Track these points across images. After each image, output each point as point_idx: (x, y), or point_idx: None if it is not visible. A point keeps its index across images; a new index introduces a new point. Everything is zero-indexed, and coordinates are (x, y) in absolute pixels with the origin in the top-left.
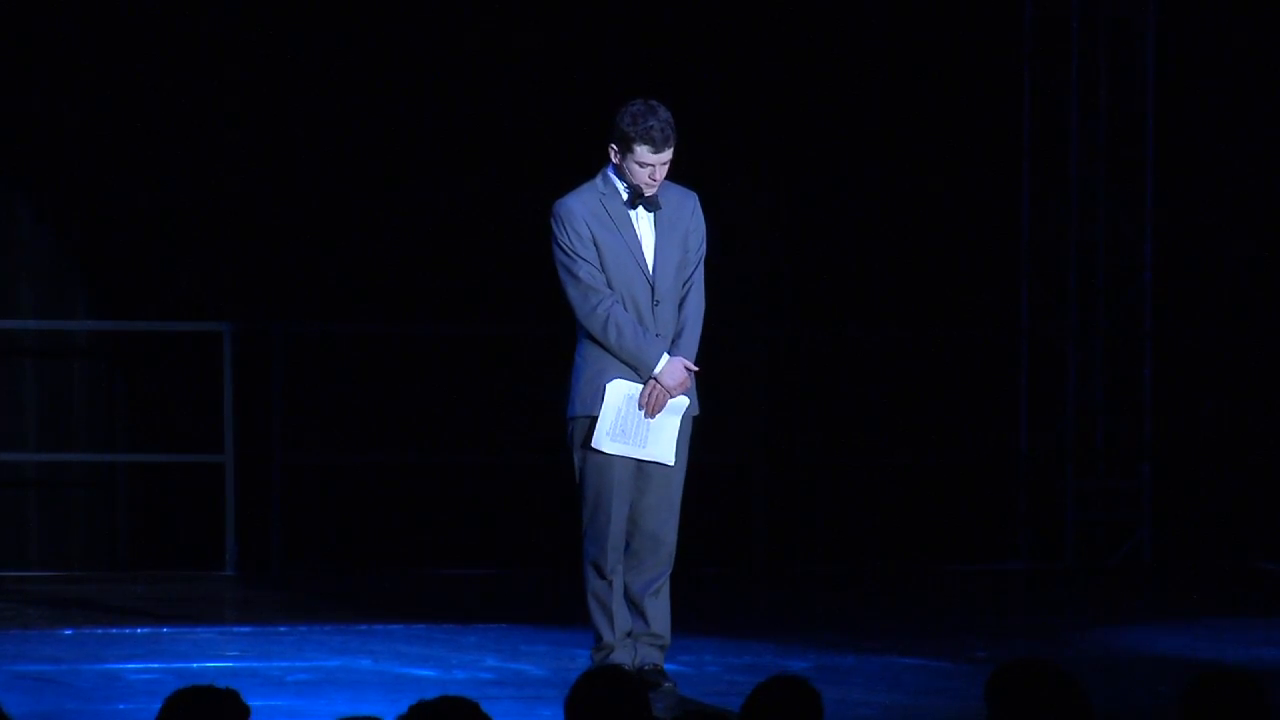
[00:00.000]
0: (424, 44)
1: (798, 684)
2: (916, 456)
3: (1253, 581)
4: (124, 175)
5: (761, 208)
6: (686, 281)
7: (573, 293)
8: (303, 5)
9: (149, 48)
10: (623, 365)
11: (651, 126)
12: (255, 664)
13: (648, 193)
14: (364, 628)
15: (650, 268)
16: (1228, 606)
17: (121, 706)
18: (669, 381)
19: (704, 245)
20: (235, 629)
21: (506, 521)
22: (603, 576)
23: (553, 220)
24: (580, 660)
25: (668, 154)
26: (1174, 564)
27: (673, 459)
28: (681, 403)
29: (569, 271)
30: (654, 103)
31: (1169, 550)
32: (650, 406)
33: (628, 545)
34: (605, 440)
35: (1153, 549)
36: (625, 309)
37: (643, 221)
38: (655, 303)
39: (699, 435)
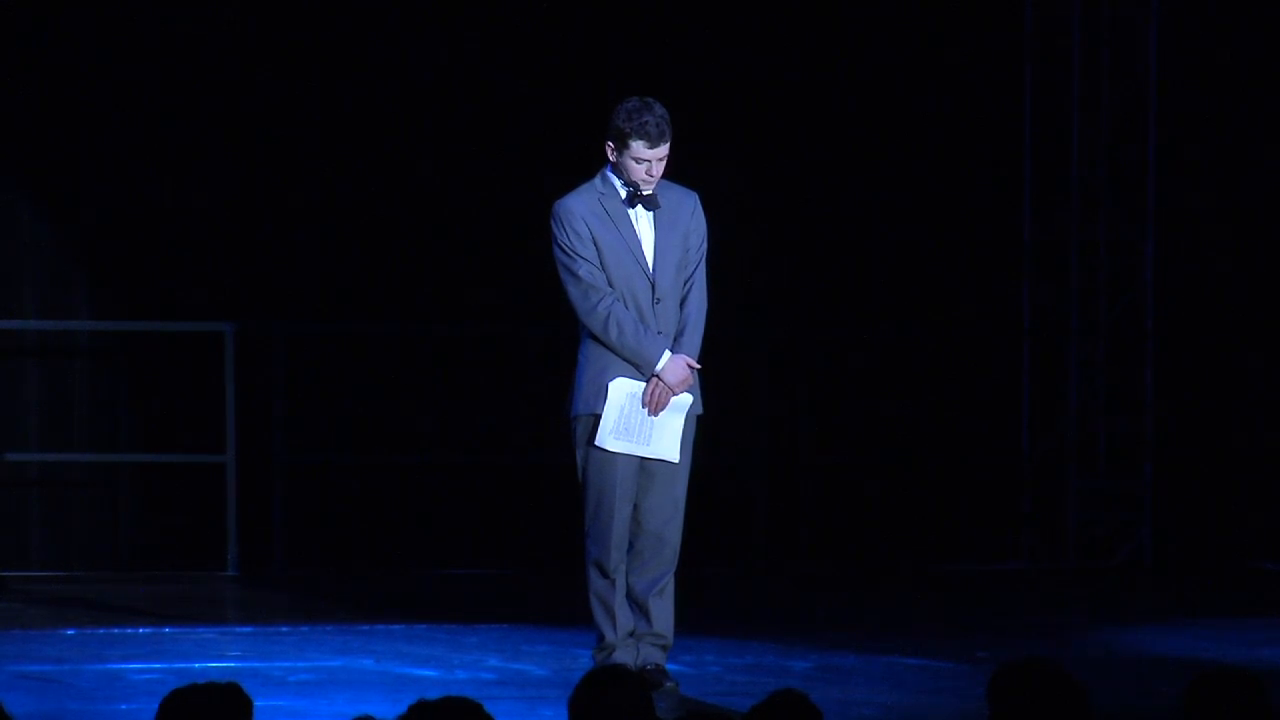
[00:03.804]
0: (424, 44)
1: (799, 700)
2: (918, 457)
3: (1253, 581)
4: (126, 175)
5: (761, 208)
6: (688, 280)
7: (573, 292)
8: (303, 5)
9: (151, 47)
10: (625, 364)
11: (647, 122)
12: (257, 664)
13: (645, 190)
14: (366, 628)
15: (650, 266)
16: (1228, 606)
17: (123, 707)
18: (671, 379)
19: (705, 244)
20: (237, 629)
21: (508, 521)
22: (605, 576)
23: (552, 221)
24: (582, 660)
25: (664, 149)
26: (1175, 564)
27: (677, 456)
28: (685, 400)
29: (569, 271)
30: (649, 99)
31: (1170, 550)
32: (653, 404)
33: (631, 545)
34: (609, 438)
35: (1154, 549)
36: (626, 307)
37: (642, 220)
38: (656, 300)
39: (701, 435)
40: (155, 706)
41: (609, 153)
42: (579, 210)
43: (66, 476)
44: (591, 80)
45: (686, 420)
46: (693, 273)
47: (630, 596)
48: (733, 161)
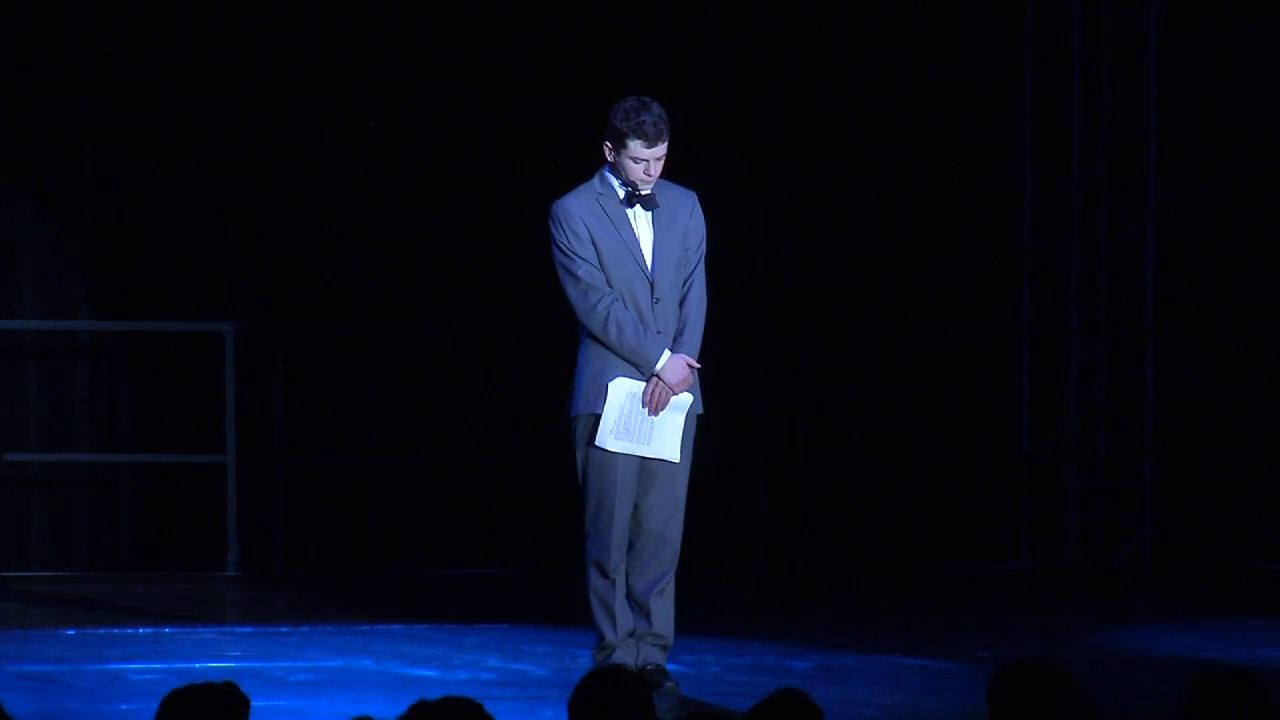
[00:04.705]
0: (424, 44)
1: (800, 698)
2: (919, 457)
3: (1253, 581)
4: (127, 175)
5: (762, 208)
6: (687, 280)
7: (572, 292)
8: (304, 5)
9: (152, 48)
10: (625, 363)
11: (644, 121)
12: (257, 664)
13: (643, 189)
14: (366, 628)
15: (649, 265)
16: (1229, 606)
17: (123, 707)
18: (671, 378)
19: (704, 244)
20: (237, 629)
21: (509, 521)
22: (605, 576)
23: (551, 221)
24: (582, 660)
25: (661, 149)
26: (1175, 564)
27: (677, 456)
28: (686, 400)
29: (568, 271)
30: (646, 99)
31: (1170, 550)
32: (653, 404)
33: (632, 545)
34: (609, 438)
35: (1154, 549)
36: (625, 307)
37: (640, 220)
38: (655, 300)
39: (701, 435)
40: (155, 706)
41: (607, 153)
42: (577, 210)
43: (66, 476)
44: (591, 80)
45: (687, 420)
46: (692, 272)
47: (631, 596)
48: (732, 161)
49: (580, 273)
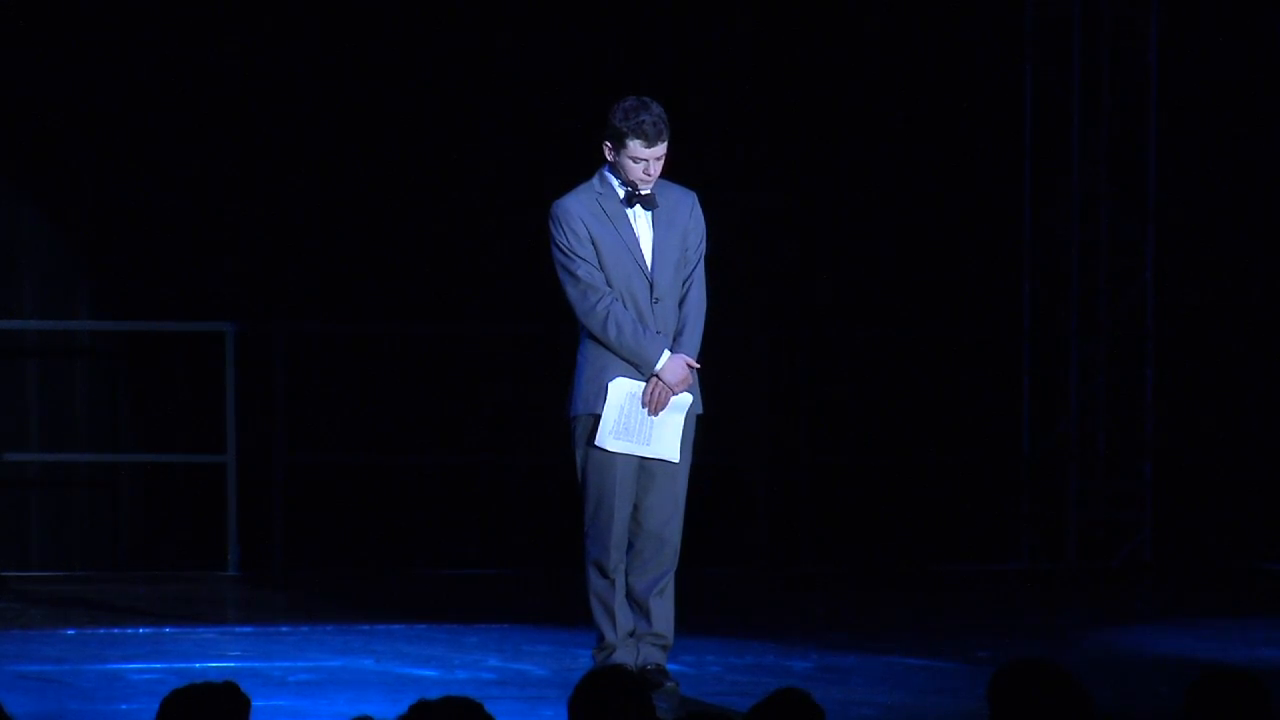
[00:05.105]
0: (424, 44)
1: (800, 698)
2: (918, 457)
3: (1254, 581)
4: (127, 175)
5: (762, 208)
6: (687, 280)
7: (572, 292)
8: (304, 5)
9: (152, 48)
10: (624, 363)
11: (644, 121)
12: (257, 664)
13: (643, 189)
14: (366, 628)
15: (648, 265)
16: (1229, 606)
17: (124, 707)
18: (670, 378)
19: (704, 243)
20: (237, 629)
21: (508, 521)
22: (605, 576)
23: (550, 221)
24: (582, 660)
25: (661, 148)
26: (1176, 564)
27: (677, 456)
28: (685, 400)
29: (567, 271)
30: (646, 99)
31: (1171, 550)
32: (653, 404)
33: (631, 545)
34: (609, 438)
35: (1154, 549)
36: (625, 307)
37: (640, 219)
38: (654, 300)
39: (701, 435)
40: (155, 706)
41: (606, 152)
42: (576, 210)
43: (67, 477)
44: (592, 79)
45: (686, 420)
46: (691, 272)
47: (630, 596)
48: (732, 161)
49: (580, 272)
